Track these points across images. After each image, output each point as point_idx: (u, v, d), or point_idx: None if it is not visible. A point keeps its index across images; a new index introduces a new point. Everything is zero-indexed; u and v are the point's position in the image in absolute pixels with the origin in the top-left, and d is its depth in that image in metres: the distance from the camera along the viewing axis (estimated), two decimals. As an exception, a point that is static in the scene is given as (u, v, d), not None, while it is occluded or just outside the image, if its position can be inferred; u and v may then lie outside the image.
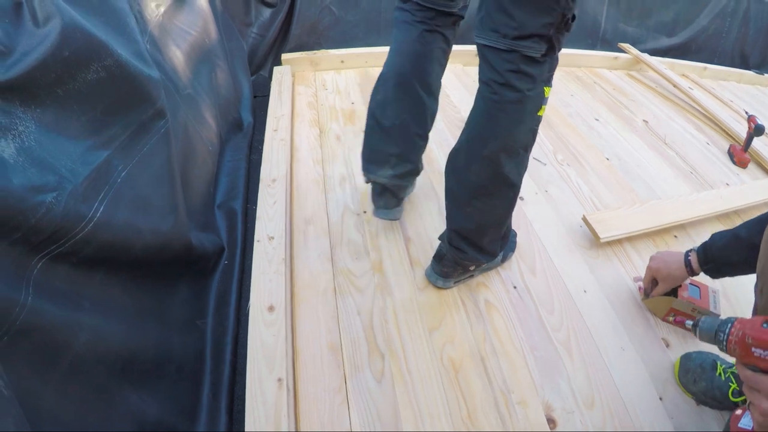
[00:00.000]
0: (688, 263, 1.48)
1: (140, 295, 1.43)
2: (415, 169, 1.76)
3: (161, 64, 1.77)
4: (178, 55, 1.96)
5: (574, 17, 1.24)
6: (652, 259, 1.57)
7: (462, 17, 1.60)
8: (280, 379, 1.31)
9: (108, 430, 1.19)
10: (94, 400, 1.19)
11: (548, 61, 1.28)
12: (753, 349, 0.92)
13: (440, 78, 1.66)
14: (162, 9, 1.91)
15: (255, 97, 2.79)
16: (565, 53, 3.04)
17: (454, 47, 1.66)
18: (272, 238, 1.66)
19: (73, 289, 1.19)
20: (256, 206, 1.87)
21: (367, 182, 1.80)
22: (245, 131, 2.45)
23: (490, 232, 1.52)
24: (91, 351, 1.19)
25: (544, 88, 1.31)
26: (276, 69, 2.79)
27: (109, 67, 1.28)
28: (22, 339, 1.01)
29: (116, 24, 1.44)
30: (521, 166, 1.41)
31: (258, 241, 1.66)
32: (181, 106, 1.81)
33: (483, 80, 1.34)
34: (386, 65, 1.64)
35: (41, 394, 1.05)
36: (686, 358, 1.48)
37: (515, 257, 1.74)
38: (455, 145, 1.43)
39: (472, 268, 1.59)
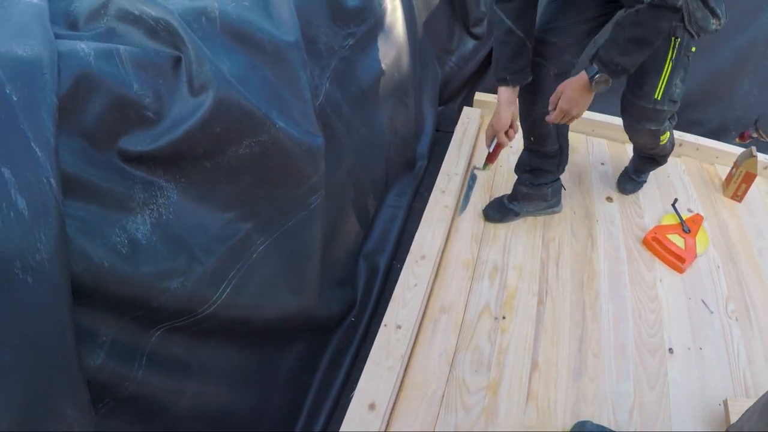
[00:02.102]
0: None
1: (252, 356, 1.46)
2: None
3: (338, 103, 1.74)
4: (359, 91, 1.94)
5: None
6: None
7: None
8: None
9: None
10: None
11: None
12: None
13: None
14: (351, 41, 1.87)
15: (437, 131, 2.75)
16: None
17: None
18: (399, 327, 1.62)
19: (185, 353, 1.22)
20: (401, 265, 1.86)
21: None
22: (416, 172, 2.42)
23: None
24: (189, 412, 1.23)
25: None
26: (465, 110, 2.69)
27: (263, 143, 1.25)
28: (126, 405, 1.07)
29: (288, 78, 1.38)
30: None
31: (385, 325, 1.62)
32: (348, 150, 1.80)
33: None
34: None
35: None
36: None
37: (629, 414, 1.59)
38: None
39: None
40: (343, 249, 1.85)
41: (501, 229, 2.12)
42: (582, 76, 1.61)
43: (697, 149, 2.68)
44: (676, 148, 2.64)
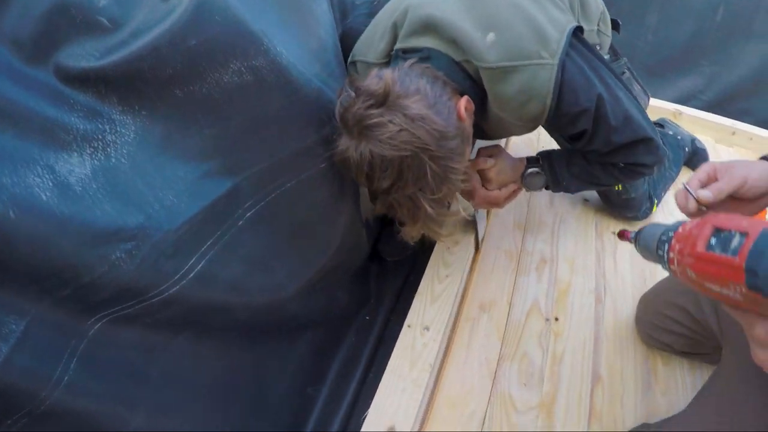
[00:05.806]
0: None
1: (238, 359, 1.12)
2: None
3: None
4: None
5: None
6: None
7: None
8: None
9: None
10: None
11: None
12: (705, 284, 0.58)
13: None
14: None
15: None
16: None
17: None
18: (427, 329, 1.27)
19: (139, 354, 0.88)
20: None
21: None
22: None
23: None
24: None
25: None
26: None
27: (258, 70, 0.88)
28: (45, 423, 0.73)
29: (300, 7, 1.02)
30: None
31: (408, 326, 1.27)
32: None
33: None
34: None
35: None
36: None
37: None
38: None
39: None
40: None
41: (548, 217, 1.76)
42: (519, 164, 1.37)
43: (751, 139, 2.33)
44: (728, 137, 2.35)
